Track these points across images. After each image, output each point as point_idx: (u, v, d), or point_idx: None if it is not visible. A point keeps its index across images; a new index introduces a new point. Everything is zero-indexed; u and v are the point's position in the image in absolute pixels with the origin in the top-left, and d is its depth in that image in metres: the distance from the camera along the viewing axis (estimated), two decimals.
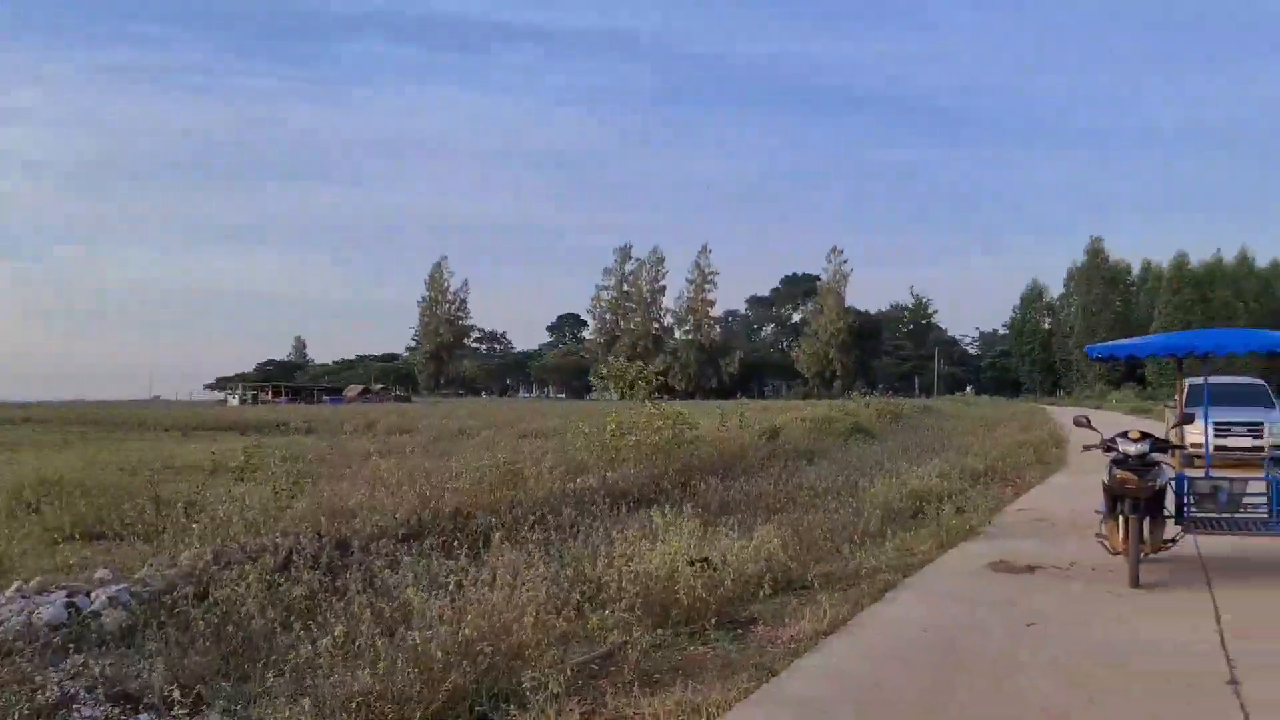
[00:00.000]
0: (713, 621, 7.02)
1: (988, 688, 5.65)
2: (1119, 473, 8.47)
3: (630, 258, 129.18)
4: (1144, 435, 8.67)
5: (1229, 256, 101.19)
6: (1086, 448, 9.50)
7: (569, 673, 5.48)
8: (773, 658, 6.20)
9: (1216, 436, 18.76)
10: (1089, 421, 9.50)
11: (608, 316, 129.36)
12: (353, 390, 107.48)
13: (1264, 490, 9.00)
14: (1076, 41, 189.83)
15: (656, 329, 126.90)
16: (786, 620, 7.14)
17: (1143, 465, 8.47)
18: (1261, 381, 22.15)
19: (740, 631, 6.99)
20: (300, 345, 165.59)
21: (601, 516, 10.71)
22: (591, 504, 11.53)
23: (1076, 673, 5.92)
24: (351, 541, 8.37)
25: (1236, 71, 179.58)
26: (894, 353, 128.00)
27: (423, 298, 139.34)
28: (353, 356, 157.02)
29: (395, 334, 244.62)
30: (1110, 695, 5.48)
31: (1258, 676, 5.76)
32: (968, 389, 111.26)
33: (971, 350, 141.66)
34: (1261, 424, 18.91)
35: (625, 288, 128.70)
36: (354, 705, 4.86)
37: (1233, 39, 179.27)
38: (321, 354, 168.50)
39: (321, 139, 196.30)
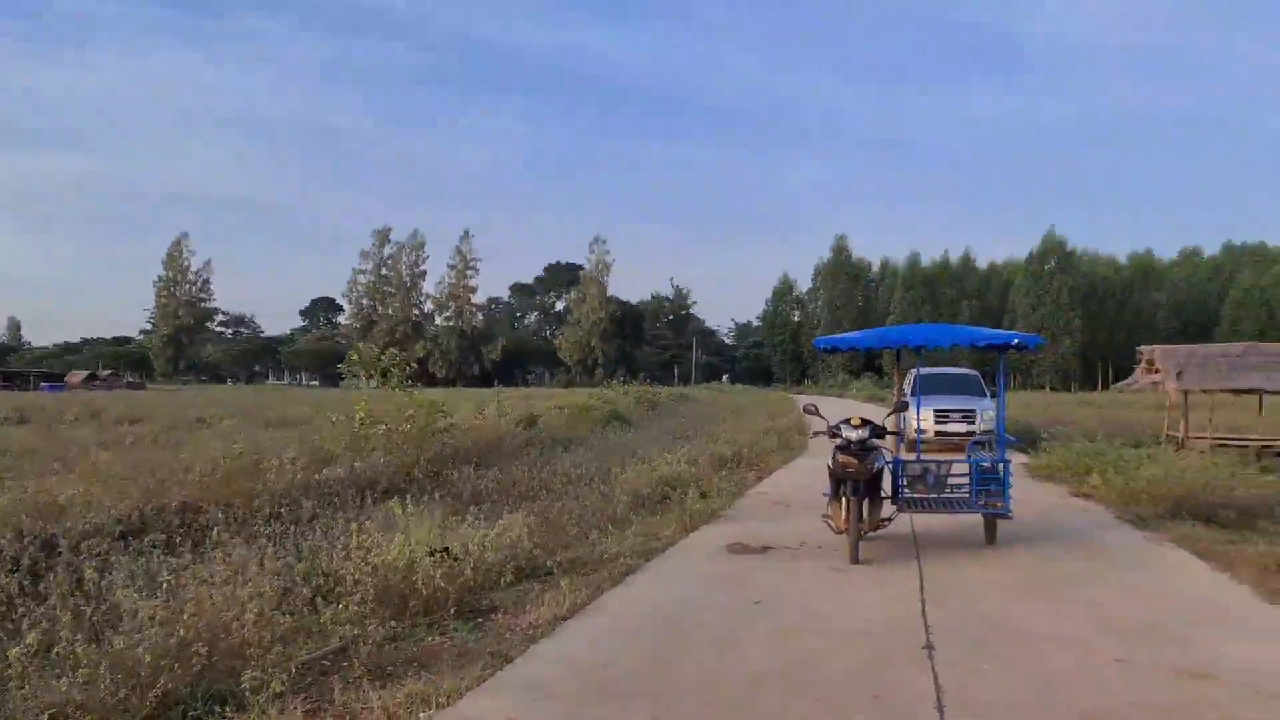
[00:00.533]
0: (452, 611, 6.96)
1: (711, 660, 5.90)
2: (841, 457, 9.07)
3: (389, 241, 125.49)
4: (865, 422, 9.30)
5: (955, 257, 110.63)
6: (815, 434, 10.12)
7: (293, 670, 5.29)
8: (509, 645, 6.22)
9: (938, 422, 20.49)
10: (817, 409, 10.12)
11: (365, 301, 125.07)
12: (76, 376, 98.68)
13: (966, 472, 9.87)
14: (833, 51, 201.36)
15: (416, 315, 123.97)
16: (528, 607, 7.18)
17: (863, 450, 9.10)
18: (975, 372, 24.34)
19: (481, 620, 6.97)
20: (14, 326, 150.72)
21: (345, 508, 10.42)
22: (336, 496, 11.19)
23: (795, 644, 6.30)
24: (59, 541, 7.70)
25: (969, 89, 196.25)
26: (655, 342, 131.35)
27: (159, 277, 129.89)
28: (78, 339, 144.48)
29: (128, 316, 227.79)
30: (823, 663, 5.86)
31: (947, 642, 6.33)
32: (724, 378, 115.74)
33: (728, 340, 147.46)
34: (975, 411, 20.78)
35: (384, 272, 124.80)
36: (47, 718, 4.49)
37: (967, 60, 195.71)
38: (40, 337, 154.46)
39: (38, 100, 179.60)
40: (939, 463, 10.13)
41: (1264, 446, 18.07)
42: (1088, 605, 7.38)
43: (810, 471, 16.70)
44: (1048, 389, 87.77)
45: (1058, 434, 18.55)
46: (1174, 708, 5.09)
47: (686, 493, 12.63)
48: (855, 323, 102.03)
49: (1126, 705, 5.12)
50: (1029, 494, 13.29)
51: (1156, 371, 19.04)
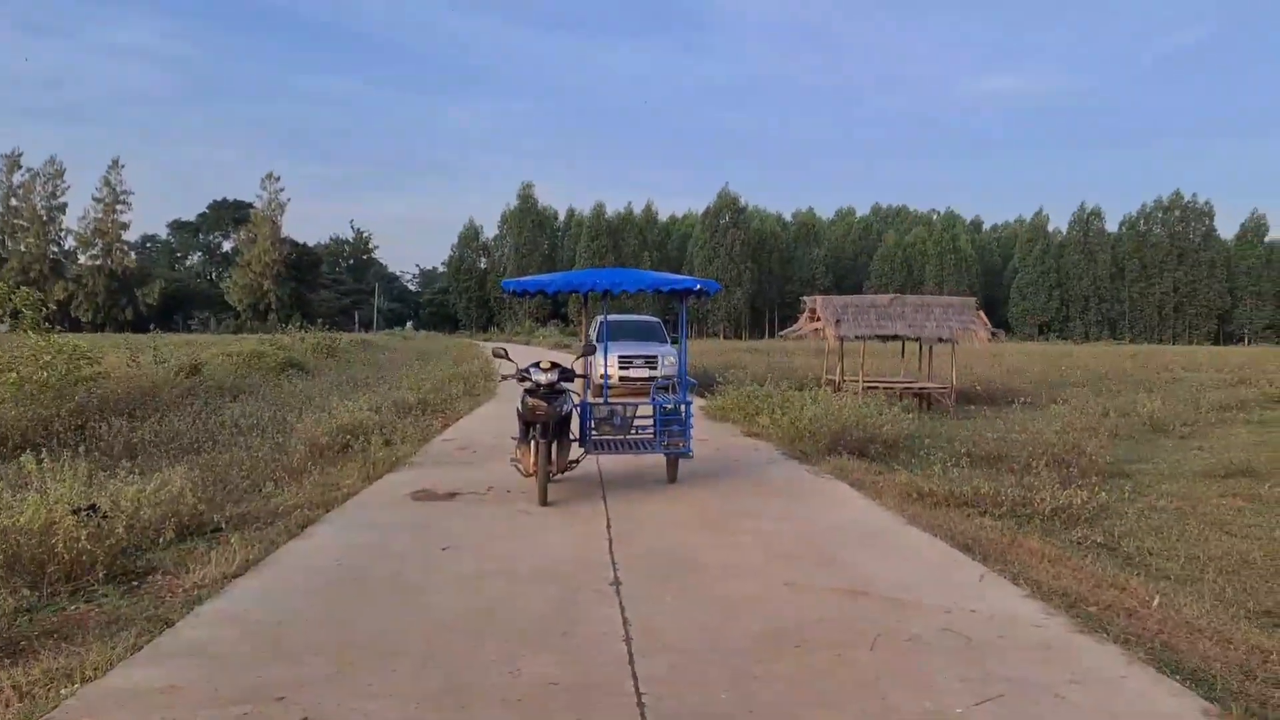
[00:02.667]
0: (101, 576, 6.24)
1: (395, 611, 5.67)
2: (531, 400, 9.01)
3: (20, 168, 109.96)
4: (554, 365, 9.30)
5: (638, 209, 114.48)
6: (504, 377, 10.01)
7: None
8: (170, 608, 5.65)
9: (621, 368, 21.04)
10: (506, 353, 10.01)
11: None
12: None
13: (650, 414, 10.16)
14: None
15: (55, 252, 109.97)
16: (192, 567, 6.57)
17: (552, 393, 9.09)
18: (657, 319, 25.26)
19: (136, 584, 6.30)
20: None
21: None
22: None
23: (481, 588, 6.19)
24: None
25: (650, 46, 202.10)
26: (333, 286, 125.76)
27: None
28: None
29: None
30: (512, 605, 5.79)
31: (633, 577, 6.48)
32: (408, 324, 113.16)
33: (412, 287, 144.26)
34: (657, 356, 21.52)
35: (14, 202, 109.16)
36: None
37: (648, 18, 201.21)
38: None
39: None
40: (625, 405, 10.35)
41: (905, 388, 20.15)
42: (760, 535, 7.83)
43: (497, 418, 16.67)
44: (721, 337, 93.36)
45: (731, 378, 19.66)
46: (835, 622, 5.49)
47: (369, 440, 12.15)
48: (542, 269, 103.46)
49: (794, 624, 5.45)
50: (705, 434, 13.97)
51: (818, 320, 20.63)
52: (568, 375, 9.36)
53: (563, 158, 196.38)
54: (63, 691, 4.34)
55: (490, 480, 10.26)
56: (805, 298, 22.81)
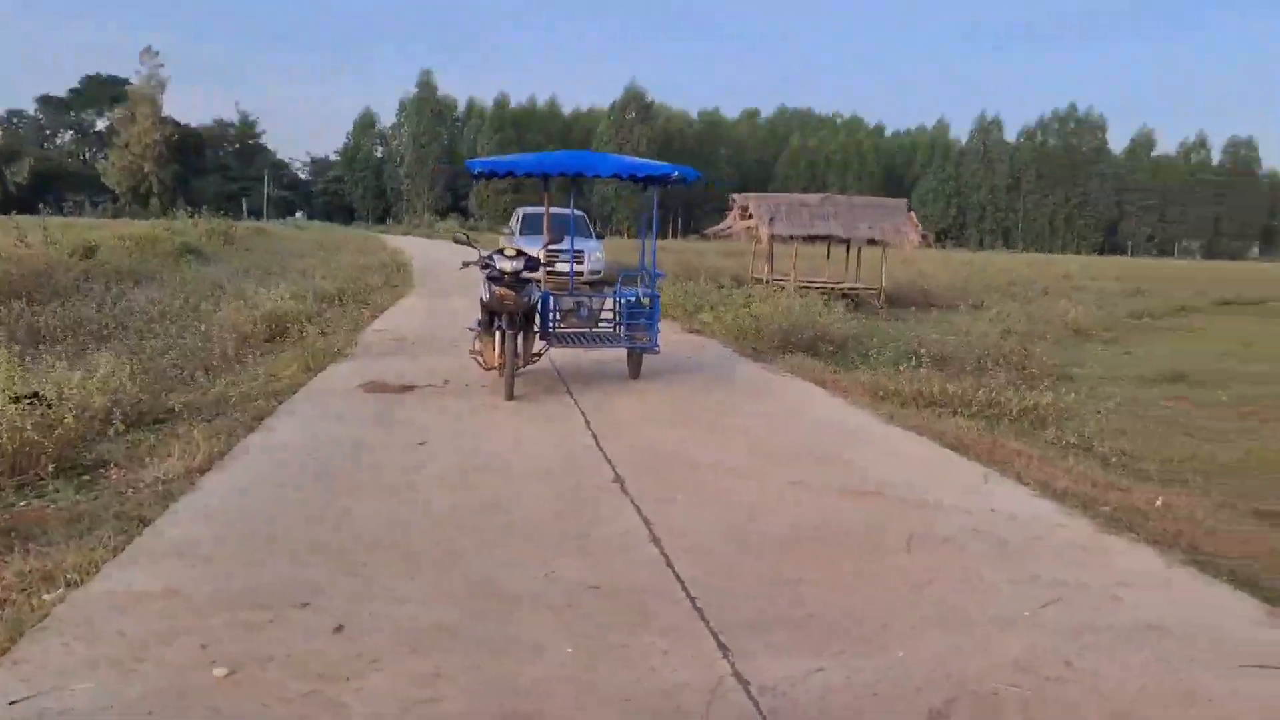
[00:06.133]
0: (50, 469, 5.64)
1: (388, 507, 5.27)
2: (499, 289, 8.46)
3: None
4: (519, 253, 8.74)
5: (541, 102, 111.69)
6: (465, 264, 9.40)
7: None
8: (139, 504, 5.11)
9: (547, 262, 20.38)
10: (469, 239, 9.42)
11: None
12: None
13: (613, 307, 9.75)
14: None
15: None
16: (146, 460, 6.02)
17: (519, 281, 8.57)
18: (583, 213, 24.53)
19: (88, 478, 5.72)
20: None
21: None
22: None
23: (475, 484, 5.82)
24: None
25: None
26: (220, 172, 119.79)
27: None
28: None
29: None
30: (512, 503, 5.44)
31: (631, 474, 6.16)
32: (299, 214, 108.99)
33: (303, 175, 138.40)
34: (583, 251, 20.87)
35: None
36: None
37: None
38: None
39: None
40: (591, 297, 9.91)
41: (834, 287, 20.13)
42: (743, 433, 7.60)
43: (423, 310, 16.18)
44: (624, 236, 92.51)
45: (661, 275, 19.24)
46: (858, 524, 5.28)
47: (304, 330, 11.48)
48: (440, 160, 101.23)
49: (817, 525, 5.23)
50: None
51: (749, 218, 20.32)
52: (533, 264, 8.84)
53: (462, 47, 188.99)
54: (46, 597, 3.83)
55: (443, 373, 9.76)
56: (735, 195, 22.44)
